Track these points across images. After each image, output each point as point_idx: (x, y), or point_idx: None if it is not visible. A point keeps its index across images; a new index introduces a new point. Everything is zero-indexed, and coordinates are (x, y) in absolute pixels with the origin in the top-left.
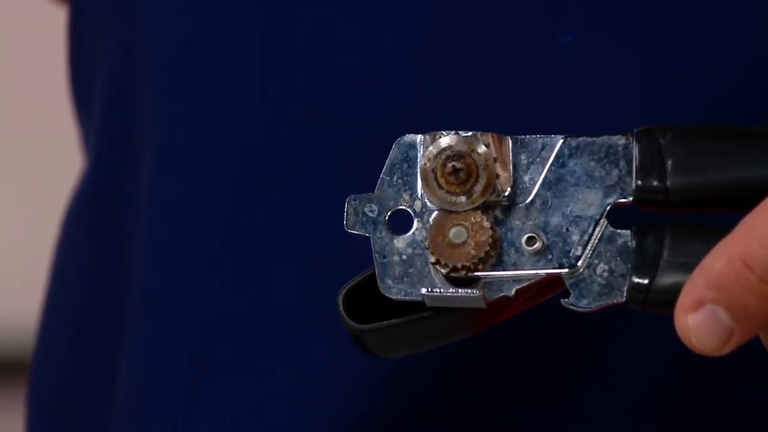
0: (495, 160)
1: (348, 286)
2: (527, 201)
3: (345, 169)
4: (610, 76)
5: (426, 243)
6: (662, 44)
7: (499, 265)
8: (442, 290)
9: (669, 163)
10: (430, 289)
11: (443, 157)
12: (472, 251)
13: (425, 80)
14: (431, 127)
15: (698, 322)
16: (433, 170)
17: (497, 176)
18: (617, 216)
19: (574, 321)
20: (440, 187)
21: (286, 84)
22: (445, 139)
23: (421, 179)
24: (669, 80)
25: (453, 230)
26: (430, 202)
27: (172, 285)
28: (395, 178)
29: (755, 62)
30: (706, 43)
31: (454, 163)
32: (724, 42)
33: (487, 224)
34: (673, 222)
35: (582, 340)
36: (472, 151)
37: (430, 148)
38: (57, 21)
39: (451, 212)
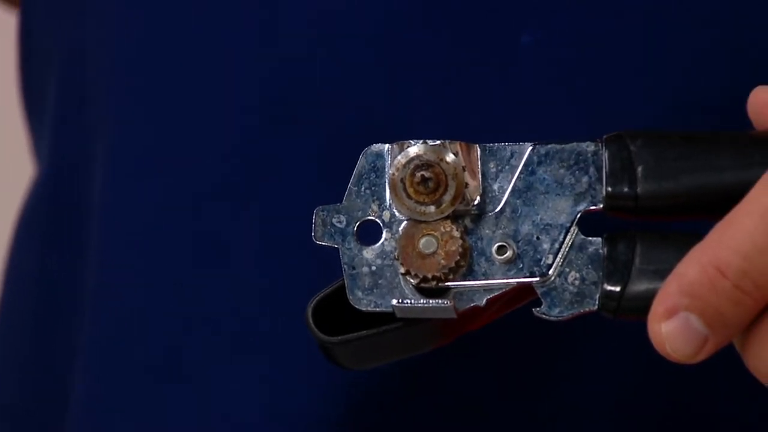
0: (464, 168)
1: (317, 298)
2: (497, 209)
3: (307, 176)
4: (571, 77)
5: (395, 253)
6: (622, 45)
7: (469, 274)
8: (412, 301)
9: (639, 169)
10: (400, 301)
11: (412, 166)
12: (443, 261)
13: (390, 85)
14: (397, 131)
15: (672, 330)
16: (401, 180)
17: (466, 185)
18: (588, 223)
19: (543, 325)
20: (409, 197)
21: (249, 88)
22: (413, 149)
23: (390, 189)
24: (629, 80)
25: (423, 240)
26: (399, 212)
27: (124, 292)
28: (363, 188)
29: (720, 63)
30: (666, 43)
31: (422, 172)
32: (685, 43)
33: (457, 234)
34: (645, 229)
35: (551, 346)
36: (441, 160)
37: (399, 157)
38: (6, 25)
39: (420, 222)
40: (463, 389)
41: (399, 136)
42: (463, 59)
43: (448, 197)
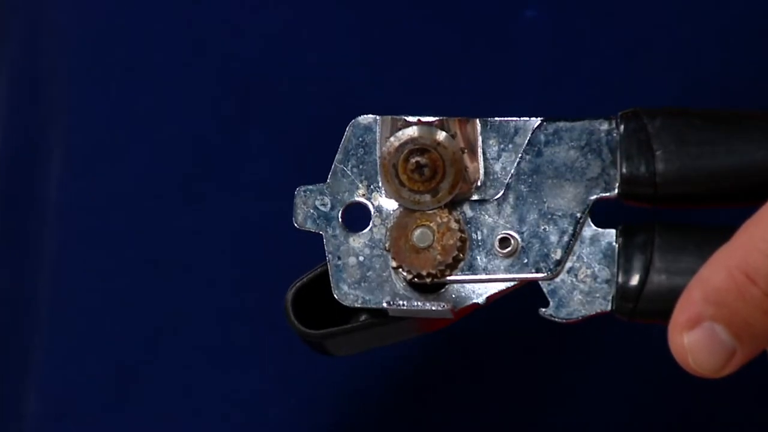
0: (463, 151)
1: (296, 286)
2: (499, 195)
3: (284, 169)
4: (579, 53)
5: (386, 244)
6: (633, 18)
7: (468, 269)
8: (405, 304)
9: (658, 151)
10: (392, 302)
11: (405, 151)
12: (439, 256)
13: (386, 64)
14: (393, 112)
15: (696, 341)
16: (394, 165)
17: (465, 168)
18: (601, 213)
19: (546, 334)
20: (402, 184)
21: (213, 77)
22: (408, 131)
23: (381, 175)
24: (641, 57)
25: (417, 232)
26: (391, 198)
27: (90, 297)
28: (350, 166)
29: (742, 38)
30: (683, 15)
31: (417, 158)
32: (702, 16)
33: (455, 225)
34: (664, 219)
35: (555, 356)
36: (438, 144)
37: (391, 140)
38: None
39: (414, 210)
40: (462, 407)
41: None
42: (463, 35)
43: (445, 185)
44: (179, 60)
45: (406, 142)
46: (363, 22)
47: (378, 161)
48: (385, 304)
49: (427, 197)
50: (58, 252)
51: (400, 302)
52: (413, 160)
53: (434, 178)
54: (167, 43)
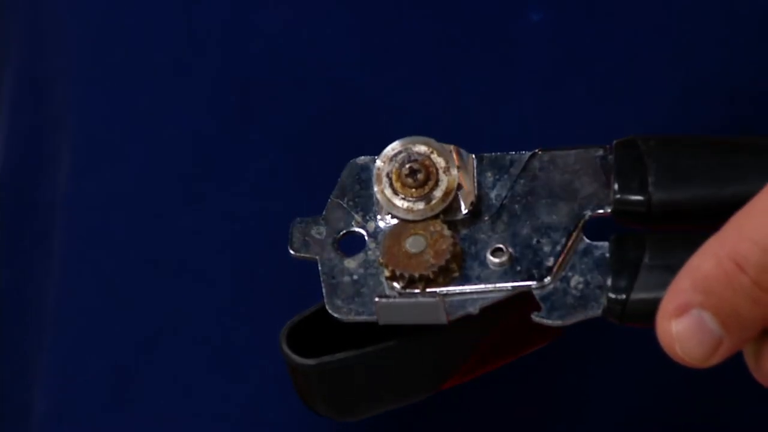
0: (458, 168)
1: (293, 323)
2: (493, 214)
3: (276, 168)
4: (583, 57)
5: (380, 259)
6: (637, 22)
7: (461, 279)
8: (396, 298)
9: (652, 172)
10: (383, 297)
11: (399, 159)
12: (432, 260)
13: (385, 69)
14: (393, 115)
15: (683, 329)
16: (388, 174)
17: (459, 186)
18: (595, 231)
19: (546, 357)
20: (396, 192)
21: (213, 77)
22: (402, 141)
23: (375, 184)
24: (645, 60)
25: (410, 239)
26: (386, 210)
27: (91, 298)
28: (346, 200)
29: (746, 43)
30: (688, 20)
31: (411, 164)
32: (708, 21)
33: (447, 232)
34: (655, 233)
35: (554, 377)
36: (432, 152)
37: (386, 150)
38: None
39: (407, 223)
40: (463, 412)
41: (394, 121)
42: (463, 36)
43: (438, 193)
44: (179, 60)
45: (400, 151)
46: (363, 22)
47: (373, 172)
48: (377, 299)
49: (421, 205)
50: (58, 252)
51: (391, 298)
52: (407, 166)
53: (427, 184)
54: (167, 42)
